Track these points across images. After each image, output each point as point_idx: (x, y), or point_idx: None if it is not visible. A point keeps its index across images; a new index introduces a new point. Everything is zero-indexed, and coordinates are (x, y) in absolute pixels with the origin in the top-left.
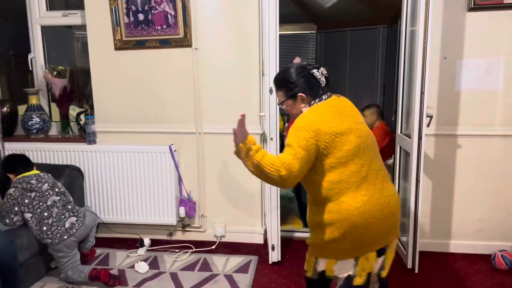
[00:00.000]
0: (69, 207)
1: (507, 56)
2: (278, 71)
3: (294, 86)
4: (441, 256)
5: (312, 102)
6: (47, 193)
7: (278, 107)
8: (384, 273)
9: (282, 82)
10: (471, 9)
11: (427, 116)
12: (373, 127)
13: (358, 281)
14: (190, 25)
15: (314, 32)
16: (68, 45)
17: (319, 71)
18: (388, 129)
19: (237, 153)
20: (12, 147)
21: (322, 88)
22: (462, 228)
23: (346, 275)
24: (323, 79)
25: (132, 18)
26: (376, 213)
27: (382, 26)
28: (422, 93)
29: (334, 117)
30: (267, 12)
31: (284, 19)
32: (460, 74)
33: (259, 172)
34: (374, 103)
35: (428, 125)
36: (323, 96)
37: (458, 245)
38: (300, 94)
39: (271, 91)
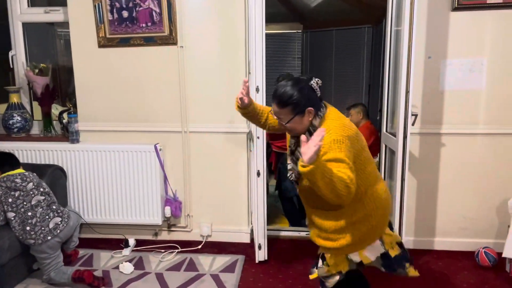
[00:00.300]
0: (54, 207)
1: (490, 56)
2: (264, 70)
3: (300, 101)
4: (426, 254)
5: (319, 113)
6: (31, 193)
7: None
8: (393, 252)
9: (287, 100)
10: (455, 9)
11: (412, 115)
12: (359, 126)
13: (394, 252)
14: (175, 23)
15: (300, 31)
16: (50, 43)
17: (315, 81)
18: (373, 128)
19: (310, 172)
20: None
21: (320, 98)
22: (446, 225)
23: (379, 254)
24: (318, 89)
25: (116, 15)
26: (389, 194)
27: (367, 26)
28: (407, 92)
29: (345, 120)
30: (253, 11)
31: (270, 19)
32: (444, 74)
33: (330, 189)
34: (359, 102)
35: (413, 124)
36: (322, 104)
37: (442, 242)
38: (309, 108)
39: (257, 89)
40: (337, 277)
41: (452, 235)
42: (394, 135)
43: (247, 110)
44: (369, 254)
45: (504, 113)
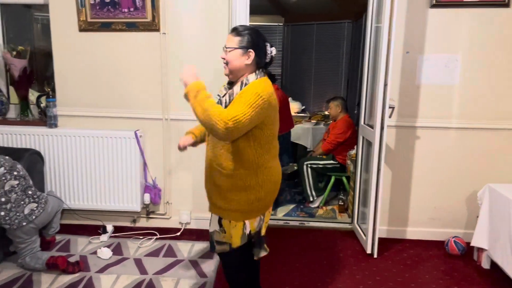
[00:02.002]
0: (30, 192)
1: (465, 53)
2: None
3: (249, 40)
4: (398, 242)
5: (256, 72)
6: (3, 178)
7: None
8: (263, 231)
9: (243, 33)
10: (433, 6)
11: (390, 107)
12: (337, 119)
13: (263, 231)
14: (158, 9)
15: (281, 24)
16: (26, 26)
17: (270, 49)
18: (351, 121)
19: (186, 94)
20: None
21: (265, 64)
22: (418, 215)
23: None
24: (268, 57)
25: None
26: (280, 178)
27: (347, 21)
28: (385, 85)
29: (274, 93)
30: (237, 2)
31: (252, 10)
32: (421, 68)
33: (207, 120)
34: (339, 96)
35: (390, 116)
36: (263, 71)
37: (414, 232)
38: (250, 50)
39: None
40: (226, 247)
41: (424, 225)
42: (371, 127)
43: (200, 141)
44: (256, 225)
45: (476, 109)
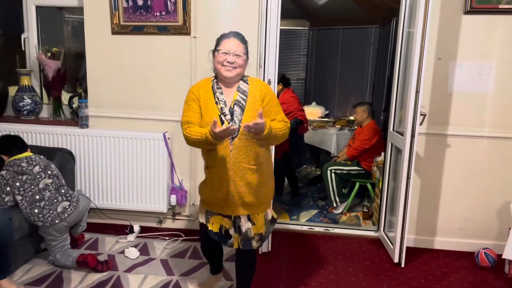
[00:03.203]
0: (62, 191)
1: (499, 60)
2: (277, 64)
3: (248, 49)
4: (426, 252)
5: (246, 74)
6: (38, 176)
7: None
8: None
9: (244, 40)
10: (467, 12)
11: (421, 115)
12: (363, 124)
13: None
14: (189, 13)
15: (307, 28)
16: (57, 28)
17: None
18: (377, 127)
19: (266, 139)
20: (1, 128)
21: None
22: (447, 225)
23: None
24: None
25: (131, 3)
26: None
27: (374, 26)
28: (417, 92)
29: None
30: (270, 6)
31: None
32: (453, 75)
33: (283, 137)
34: (366, 101)
35: (421, 124)
36: None
37: (443, 242)
38: (248, 57)
39: (269, 82)
40: (258, 237)
41: (453, 235)
42: (401, 134)
43: None
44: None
45: (510, 117)
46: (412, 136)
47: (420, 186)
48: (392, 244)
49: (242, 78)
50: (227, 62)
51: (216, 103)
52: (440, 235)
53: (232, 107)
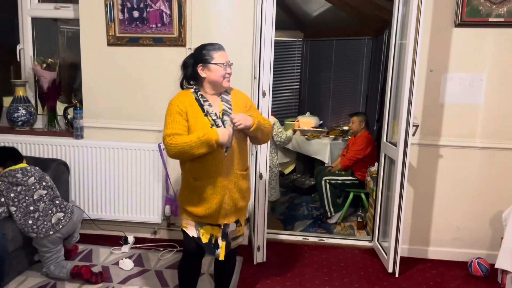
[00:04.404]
0: (57, 202)
1: (489, 72)
2: (272, 75)
3: None
4: (420, 262)
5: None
6: (33, 187)
7: (270, 110)
8: None
9: None
10: (458, 25)
11: (413, 126)
12: (357, 134)
13: None
14: (185, 25)
15: (301, 39)
16: (53, 39)
17: None
18: (371, 138)
19: (256, 130)
20: None
21: None
22: (440, 235)
23: None
24: None
25: (126, 15)
26: None
27: (367, 37)
28: (409, 103)
29: None
30: (264, 19)
31: None
32: (444, 87)
33: (268, 134)
34: (361, 111)
35: (413, 134)
36: None
37: (436, 251)
38: None
39: (264, 94)
40: (240, 240)
41: (446, 245)
42: (394, 144)
43: None
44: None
45: (501, 128)
46: (405, 146)
47: (413, 196)
48: (386, 254)
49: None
50: (228, 74)
51: (206, 115)
52: (434, 245)
53: (221, 117)
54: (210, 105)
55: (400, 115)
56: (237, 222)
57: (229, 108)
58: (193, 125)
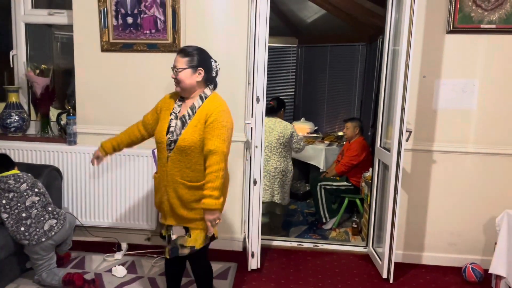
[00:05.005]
0: (50, 208)
1: (482, 78)
2: (266, 81)
3: (197, 59)
4: (415, 267)
5: (209, 86)
6: (25, 194)
7: (264, 116)
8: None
9: (190, 53)
10: (450, 32)
11: (407, 131)
12: (352, 140)
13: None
14: (179, 31)
15: (295, 45)
16: (46, 44)
17: (215, 64)
18: (365, 143)
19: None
20: None
21: (212, 79)
22: (434, 241)
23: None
24: (214, 72)
25: (120, 21)
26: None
27: (361, 43)
28: (402, 108)
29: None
30: (258, 25)
31: None
32: (437, 93)
33: (226, 185)
34: (356, 117)
35: (407, 140)
36: (212, 85)
37: (431, 257)
38: (200, 68)
39: (258, 99)
40: (188, 251)
41: (440, 251)
42: (388, 150)
43: (117, 151)
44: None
45: (493, 134)
46: (399, 152)
47: (407, 202)
48: (380, 259)
49: (201, 95)
50: (172, 78)
51: (171, 114)
52: (428, 250)
53: (179, 119)
54: (179, 105)
55: (393, 120)
56: (186, 230)
57: (189, 116)
58: (161, 120)
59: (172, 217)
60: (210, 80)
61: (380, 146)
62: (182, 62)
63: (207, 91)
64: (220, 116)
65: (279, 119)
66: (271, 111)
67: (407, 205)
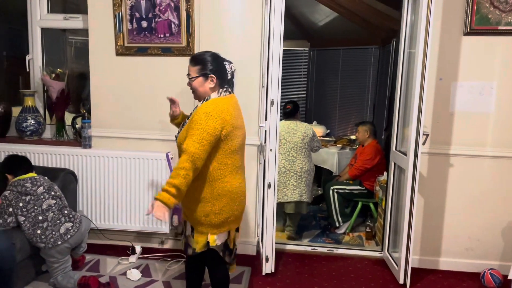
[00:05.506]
0: (65, 212)
1: (500, 80)
2: (280, 84)
3: (209, 67)
4: (431, 273)
5: (220, 90)
6: (42, 197)
7: (278, 119)
8: (232, 245)
9: (201, 60)
10: (467, 34)
11: (423, 134)
12: (365, 144)
13: (231, 245)
14: (193, 35)
15: (307, 49)
16: (61, 49)
17: (229, 65)
18: (379, 147)
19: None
20: (4, 148)
21: (228, 81)
22: (452, 246)
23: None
24: (230, 73)
25: (135, 25)
26: (243, 196)
27: (374, 46)
28: (419, 111)
29: (234, 111)
30: (272, 29)
31: None
32: (454, 96)
33: (187, 182)
34: (368, 120)
35: (423, 143)
36: (228, 89)
37: (448, 262)
38: (212, 75)
39: (272, 103)
40: (191, 251)
41: (458, 256)
42: (404, 153)
43: (178, 120)
44: (217, 240)
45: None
46: (415, 155)
47: (423, 206)
48: (396, 264)
49: (206, 98)
50: (187, 85)
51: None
52: (445, 256)
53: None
54: (194, 110)
55: (410, 124)
56: (192, 229)
57: (188, 118)
58: None
59: (185, 213)
60: (225, 83)
61: (395, 149)
62: (194, 70)
63: (214, 94)
64: (200, 118)
65: (299, 121)
66: (289, 114)
67: (423, 209)
